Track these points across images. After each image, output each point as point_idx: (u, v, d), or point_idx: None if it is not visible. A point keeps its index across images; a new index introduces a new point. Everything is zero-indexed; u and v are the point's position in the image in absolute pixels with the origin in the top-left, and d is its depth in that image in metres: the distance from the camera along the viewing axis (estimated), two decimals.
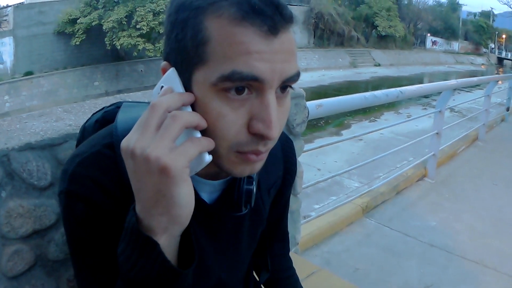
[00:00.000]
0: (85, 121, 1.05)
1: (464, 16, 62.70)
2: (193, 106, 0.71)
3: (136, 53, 25.54)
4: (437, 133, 5.26)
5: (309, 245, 3.54)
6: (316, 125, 12.27)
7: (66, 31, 25.60)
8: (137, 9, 24.45)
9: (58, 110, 1.46)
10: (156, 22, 24.10)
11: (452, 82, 5.48)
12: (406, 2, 51.57)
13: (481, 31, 59.62)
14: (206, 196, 0.89)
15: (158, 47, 24.53)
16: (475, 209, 4.49)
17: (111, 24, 24.37)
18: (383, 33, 42.39)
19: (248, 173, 0.77)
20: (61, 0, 27.11)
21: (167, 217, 0.67)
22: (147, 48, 24.70)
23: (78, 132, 1.10)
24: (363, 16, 42.60)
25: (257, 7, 0.65)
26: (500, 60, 59.33)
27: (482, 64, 53.55)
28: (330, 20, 37.98)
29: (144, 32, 24.39)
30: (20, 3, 27.51)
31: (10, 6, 26.48)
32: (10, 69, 24.65)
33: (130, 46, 24.65)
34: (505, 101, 9.76)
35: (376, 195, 4.47)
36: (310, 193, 5.35)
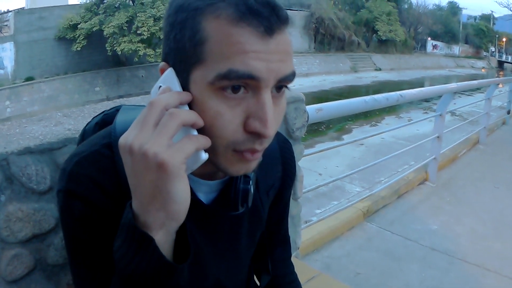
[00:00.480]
0: (85, 124, 1.06)
1: (464, 20, 62.75)
2: (191, 105, 0.72)
3: (137, 59, 25.59)
4: (438, 137, 5.25)
5: (310, 250, 3.53)
6: (317, 130, 12.30)
7: (66, 36, 25.61)
8: (137, 15, 24.50)
9: (58, 115, 1.47)
10: (157, 28, 24.14)
11: (453, 85, 5.48)
12: (406, 6, 51.69)
13: (481, 34, 59.68)
14: (203, 197, 0.89)
15: (159, 53, 24.52)
16: (476, 212, 4.48)
17: (112, 30, 24.40)
18: (384, 38, 42.42)
19: (243, 172, 0.78)
20: (62, 5, 27.19)
21: (163, 213, 0.67)
22: (148, 53, 24.74)
23: (77, 136, 1.10)
24: (363, 20, 42.65)
25: (254, 8, 0.67)
26: (501, 64, 59.40)
27: (483, 67, 53.60)
28: (330, 25, 38.03)
29: (145, 37, 24.44)
30: (20, 8, 27.57)
31: (10, 11, 26.55)
32: (11, 74, 24.67)
33: (131, 51, 24.69)
34: (505, 104, 9.77)
35: (377, 199, 4.46)
36: (311, 198, 5.35)
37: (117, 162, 0.78)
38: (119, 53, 25.19)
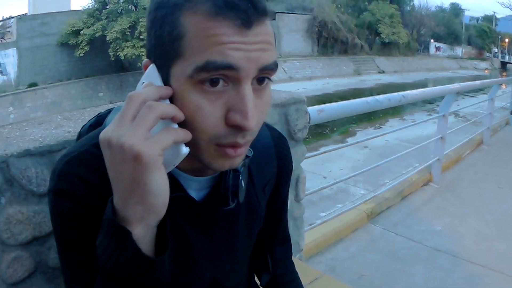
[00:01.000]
0: (81, 127, 1.06)
1: (467, 21, 62.80)
2: (172, 100, 0.72)
3: (140, 64, 25.56)
4: (441, 138, 5.24)
5: (313, 252, 3.51)
6: (321, 133, 12.31)
7: (69, 42, 25.67)
8: (140, 20, 24.53)
9: (58, 118, 1.47)
10: None
11: (455, 86, 5.48)
12: (408, 9, 51.67)
13: (484, 35, 59.62)
14: (194, 194, 0.89)
15: None
16: (480, 212, 4.46)
17: (115, 35, 24.47)
18: (387, 40, 42.37)
19: (228, 167, 0.78)
20: (64, 11, 27.28)
21: (142, 206, 0.68)
22: None
23: None
24: (366, 23, 42.63)
25: (230, 2, 0.67)
26: (504, 64, 59.31)
27: (486, 68, 53.49)
28: (333, 28, 38.01)
29: None
30: (23, 14, 27.69)
31: (13, 17, 26.66)
32: (14, 80, 24.75)
33: (134, 56, 24.74)
34: (508, 104, 9.74)
35: (381, 201, 4.45)
36: (316, 201, 5.35)
37: None
38: (122, 58, 25.23)
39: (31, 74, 24.83)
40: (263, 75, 0.73)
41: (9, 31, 25.79)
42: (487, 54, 61.14)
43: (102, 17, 25.68)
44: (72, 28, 25.53)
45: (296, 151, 2.21)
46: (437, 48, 54.79)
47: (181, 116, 0.70)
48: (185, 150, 0.71)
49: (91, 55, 25.73)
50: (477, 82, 7.40)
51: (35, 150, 1.18)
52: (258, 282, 1.20)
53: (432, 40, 54.14)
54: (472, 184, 5.39)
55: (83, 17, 25.89)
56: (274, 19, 0.70)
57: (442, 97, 5.27)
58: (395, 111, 16.24)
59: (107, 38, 24.70)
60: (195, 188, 0.89)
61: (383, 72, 40.04)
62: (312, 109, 2.47)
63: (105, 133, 0.67)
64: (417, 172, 5.26)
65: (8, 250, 1.14)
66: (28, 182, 1.16)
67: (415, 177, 5.19)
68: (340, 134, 12.94)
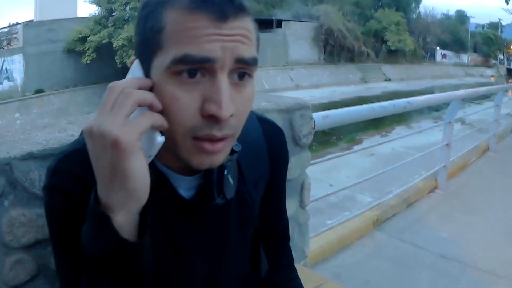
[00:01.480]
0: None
1: (472, 28, 62.76)
2: (151, 92, 0.73)
3: None
4: (447, 145, 5.22)
5: (319, 259, 3.50)
6: (328, 141, 12.32)
7: (76, 49, 25.81)
8: None
9: (63, 122, 1.47)
10: None
11: (460, 92, 5.44)
12: (414, 16, 51.68)
13: (489, 42, 59.59)
14: (184, 193, 0.89)
15: None
16: (486, 219, 4.42)
17: (121, 42, 24.55)
18: (393, 48, 42.33)
19: (207, 165, 0.78)
20: (71, 18, 27.42)
21: (122, 192, 0.69)
22: None
23: None
24: (372, 31, 42.62)
25: None
26: (510, 71, 59.24)
27: (492, 76, 53.38)
28: (340, 36, 38.00)
29: None
30: (29, 20, 27.87)
31: (19, 23, 26.82)
32: (21, 86, 24.90)
33: None
34: None
35: (386, 208, 4.42)
36: (323, 208, 5.33)
37: None
38: (129, 65, 25.26)
39: (37, 80, 24.96)
40: (241, 69, 0.74)
41: (15, 37, 25.99)
42: (493, 61, 61.10)
43: (109, 24, 25.79)
44: (79, 35, 25.67)
45: (301, 157, 2.21)
46: (443, 56, 54.77)
47: (158, 105, 0.72)
48: (161, 139, 0.73)
49: (97, 62, 25.83)
50: (483, 89, 7.37)
51: (38, 153, 1.18)
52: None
53: (438, 48, 54.13)
54: (478, 190, 5.36)
55: (90, 24, 26.02)
56: (254, 19, 0.71)
57: (448, 105, 5.25)
58: (402, 119, 16.25)
59: (114, 45, 24.79)
60: (185, 187, 0.89)
61: (390, 80, 40.01)
62: (317, 115, 2.46)
63: (88, 123, 0.69)
64: (423, 179, 5.24)
65: (10, 252, 1.14)
66: (31, 185, 1.16)
67: (421, 184, 5.16)
68: (346, 142, 12.95)
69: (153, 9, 0.73)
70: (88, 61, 25.55)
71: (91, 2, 26.79)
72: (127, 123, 0.67)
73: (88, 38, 25.50)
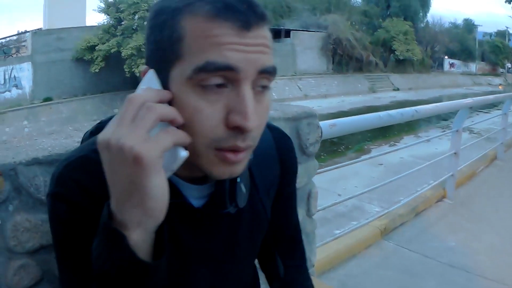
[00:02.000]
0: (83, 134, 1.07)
1: (480, 37, 62.51)
2: (171, 104, 0.71)
3: None
4: (455, 153, 5.19)
5: (326, 268, 3.48)
6: (336, 150, 12.31)
7: (84, 57, 25.84)
8: None
9: (69, 129, 1.48)
10: None
11: (468, 100, 5.42)
12: (422, 25, 51.59)
13: (497, 51, 59.36)
14: (195, 202, 0.88)
15: None
16: (495, 228, 4.39)
17: (130, 51, 24.59)
18: (401, 57, 42.19)
19: (228, 175, 0.77)
20: (79, 26, 27.58)
21: (140, 210, 0.66)
22: None
23: None
24: (380, 40, 42.54)
25: (230, 5, 0.68)
26: None
27: (500, 84, 52.98)
28: (348, 45, 37.95)
29: None
30: (38, 29, 28.05)
31: (28, 31, 26.99)
32: (29, 94, 24.98)
33: None
34: None
35: (394, 217, 4.40)
36: (330, 218, 5.32)
37: None
38: (138, 75, 25.31)
39: (46, 88, 25.05)
40: (262, 80, 0.73)
41: (24, 45, 26.12)
42: (501, 70, 60.82)
43: (118, 33, 25.85)
44: (88, 44, 25.71)
45: (308, 165, 2.20)
46: (451, 65, 54.64)
47: (180, 119, 0.69)
48: (183, 153, 0.70)
49: (106, 71, 25.90)
50: (490, 97, 7.32)
51: (43, 158, 1.18)
52: None
53: (446, 57, 54.04)
54: (486, 199, 5.32)
55: (99, 33, 26.08)
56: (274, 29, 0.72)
57: (455, 114, 5.23)
58: (410, 128, 16.21)
59: (122, 54, 24.85)
60: (195, 196, 0.87)
61: (398, 89, 39.86)
62: (324, 123, 2.45)
63: (104, 135, 0.66)
64: (431, 188, 5.21)
65: (15, 257, 1.14)
66: (36, 190, 1.16)
67: (429, 193, 5.13)
68: (355, 151, 12.92)
69: (169, 17, 0.71)
70: (96, 70, 25.61)
71: (100, 11, 26.91)
72: (149, 139, 0.64)
73: (96, 47, 25.56)
